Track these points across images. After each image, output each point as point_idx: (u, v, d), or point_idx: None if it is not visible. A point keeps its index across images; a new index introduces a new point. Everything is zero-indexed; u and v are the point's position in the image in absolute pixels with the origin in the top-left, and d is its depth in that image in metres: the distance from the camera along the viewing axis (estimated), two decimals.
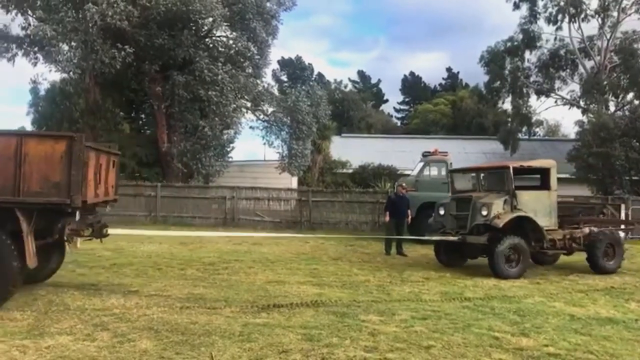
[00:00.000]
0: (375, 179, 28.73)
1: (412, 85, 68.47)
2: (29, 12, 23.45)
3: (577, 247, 12.35)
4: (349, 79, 67.91)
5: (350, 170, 32.36)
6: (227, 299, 8.47)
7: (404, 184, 15.97)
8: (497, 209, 11.44)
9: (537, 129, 40.24)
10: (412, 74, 69.67)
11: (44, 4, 21.71)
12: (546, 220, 11.91)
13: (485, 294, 9.53)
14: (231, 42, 25.54)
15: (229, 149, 28.33)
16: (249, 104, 27.03)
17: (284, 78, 59.64)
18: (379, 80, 69.55)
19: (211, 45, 25.46)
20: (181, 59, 23.96)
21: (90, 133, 26.33)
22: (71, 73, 24.64)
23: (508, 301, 8.90)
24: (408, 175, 19.66)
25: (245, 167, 30.21)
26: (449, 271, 11.91)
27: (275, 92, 30.29)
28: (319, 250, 15.31)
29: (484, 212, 11.39)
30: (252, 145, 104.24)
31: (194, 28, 23.73)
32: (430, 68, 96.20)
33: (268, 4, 26.23)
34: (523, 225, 11.67)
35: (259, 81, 27.05)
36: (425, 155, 18.84)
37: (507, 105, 37.28)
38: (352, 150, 33.91)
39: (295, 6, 27.19)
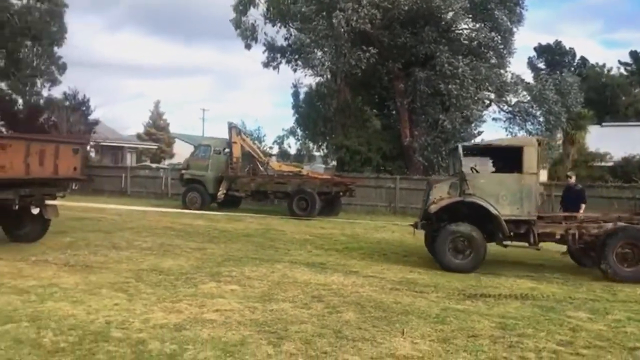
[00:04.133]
0: None
1: None
2: (290, 24, 26.58)
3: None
4: (619, 61, 60.80)
5: (610, 163, 29.38)
6: (437, 285, 8.82)
7: (568, 173, 14.31)
8: (439, 193, 10.34)
9: None
10: None
11: (301, 16, 24.41)
12: (514, 208, 10.03)
13: None
14: (473, 33, 25.32)
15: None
16: (492, 96, 26.47)
17: (542, 65, 56.34)
18: None
19: (453, 39, 25.57)
20: (422, 55, 24.65)
21: (341, 130, 28.80)
22: (324, 76, 27.28)
23: None
24: None
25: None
26: None
27: (530, 79, 28.97)
28: (555, 246, 14.45)
29: (431, 197, 10.37)
30: (498, 136, 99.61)
31: (435, 24, 24.15)
32: None
33: None
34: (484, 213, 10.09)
35: (502, 71, 26.28)
36: None
37: None
38: (613, 141, 30.70)
39: None
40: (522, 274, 10.18)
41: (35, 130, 25.51)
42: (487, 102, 26.72)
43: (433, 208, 10.23)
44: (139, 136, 53.99)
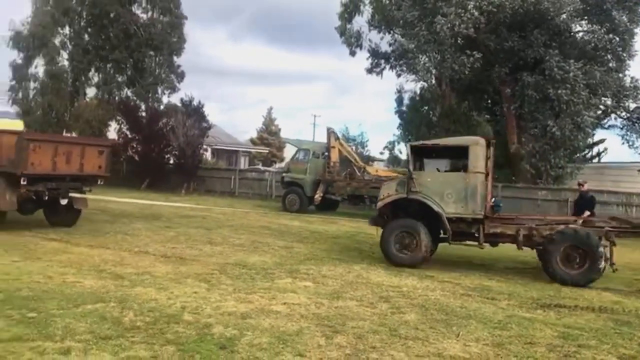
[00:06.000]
0: None
1: None
2: (394, 29, 26.73)
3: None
4: None
5: None
6: (512, 293, 8.65)
7: (580, 181, 13.81)
8: (387, 191, 10.94)
9: None
10: None
11: (404, 22, 24.49)
12: (459, 206, 10.20)
13: None
14: (587, 36, 23.96)
15: (584, 150, 26.56)
16: (608, 101, 24.89)
17: None
18: None
19: (564, 42, 24.36)
20: (531, 59, 23.72)
21: (445, 135, 28.42)
22: (428, 81, 27.11)
23: None
24: None
25: (605, 170, 27.79)
26: None
27: None
28: None
29: (380, 194, 11.14)
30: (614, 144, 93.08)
31: (546, 27, 23.17)
32: None
33: None
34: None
35: (621, 75, 24.61)
36: None
37: None
38: None
39: None
40: (612, 286, 9.66)
41: (154, 133, 27.76)
42: (603, 108, 25.16)
43: (379, 204, 11.06)
44: (252, 140, 56.63)
